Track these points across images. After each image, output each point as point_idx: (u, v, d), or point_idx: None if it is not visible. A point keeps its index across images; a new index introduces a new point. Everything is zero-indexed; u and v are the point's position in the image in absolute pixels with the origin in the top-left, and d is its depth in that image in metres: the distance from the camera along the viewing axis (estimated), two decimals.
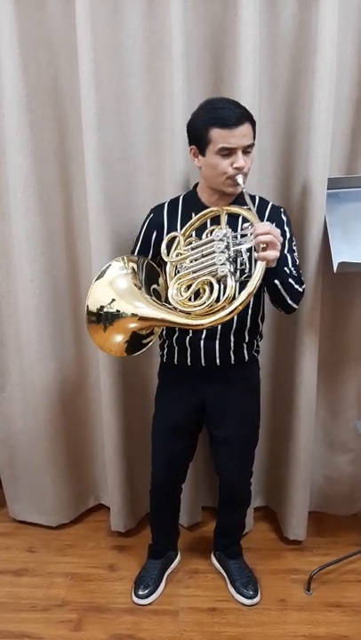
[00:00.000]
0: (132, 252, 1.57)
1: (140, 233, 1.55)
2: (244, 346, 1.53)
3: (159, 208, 1.53)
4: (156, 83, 1.64)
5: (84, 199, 1.74)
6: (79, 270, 1.86)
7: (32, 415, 1.94)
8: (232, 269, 1.26)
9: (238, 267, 1.28)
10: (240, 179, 1.33)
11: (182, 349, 1.53)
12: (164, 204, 1.53)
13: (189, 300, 1.34)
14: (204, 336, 1.49)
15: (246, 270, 1.30)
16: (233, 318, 1.43)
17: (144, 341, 1.41)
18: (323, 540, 2.01)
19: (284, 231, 1.45)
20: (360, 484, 2.06)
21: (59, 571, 1.89)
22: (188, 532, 2.06)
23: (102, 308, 1.34)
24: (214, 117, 1.30)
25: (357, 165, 1.72)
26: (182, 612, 1.71)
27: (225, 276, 1.27)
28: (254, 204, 1.45)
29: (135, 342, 1.39)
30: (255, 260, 1.26)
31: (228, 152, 1.31)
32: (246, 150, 1.33)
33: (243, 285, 1.25)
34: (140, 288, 1.38)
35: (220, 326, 1.46)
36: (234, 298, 1.24)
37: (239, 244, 1.28)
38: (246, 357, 1.55)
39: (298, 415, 1.82)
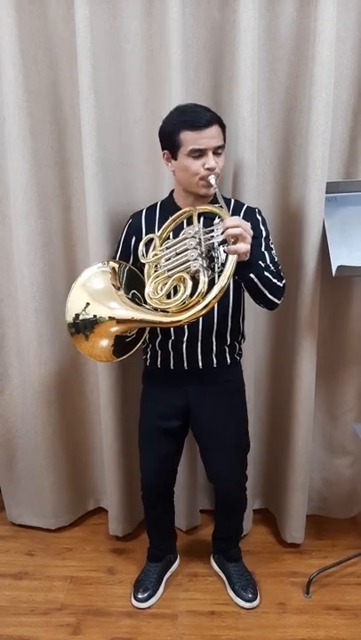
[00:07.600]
0: (114, 258, 1.59)
1: (121, 239, 1.58)
2: (226, 349, 1.54)
3: (137, 214, 1.56)
4: (154, 88, 1.65)
5: (83, 203, 1.75)
6: (78, 274, 1.85)
7: (31, 418, 1.94)
8: (204, 264, 1.28)
9: (212, 262, 1.30)
10: (212, 179, 1.35)
11: (165, 353, 1.54)
12: (142, 210, 1.56)
13: (167, 297, 1.35)
14: (185, 339, 1.49)
15: (220, 265, 1.30)
16: (214, 319, 1.46)
17: (130, 342, 1.41)
18: (321, 543, 2.01)
19: (260, 230, 1.48)
20: (359, 487, 2.06)
21: (58, 574, 1.89)
22: (186, 536, 2.06)
23: (78, 316, 1.35)
24: (184, 120, 1.35)
25: (356, 169, 1.74)
26: (181, 615, 1.71)
27: (198, 272, 1.28)
28: (229, 207, 1.49)
29: (122, 345, 1.39)
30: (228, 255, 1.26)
31: (198, 154, 1.35)
32: (217, 151, 1.37)
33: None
34: (118, 289, 1.39)
35: (201, 328, 1.47)
36: (208, 293, 1.25)
37: (210, 239, 1.29)
38: (228, 360, 1.56)
39: (296, 418, 1.82)
